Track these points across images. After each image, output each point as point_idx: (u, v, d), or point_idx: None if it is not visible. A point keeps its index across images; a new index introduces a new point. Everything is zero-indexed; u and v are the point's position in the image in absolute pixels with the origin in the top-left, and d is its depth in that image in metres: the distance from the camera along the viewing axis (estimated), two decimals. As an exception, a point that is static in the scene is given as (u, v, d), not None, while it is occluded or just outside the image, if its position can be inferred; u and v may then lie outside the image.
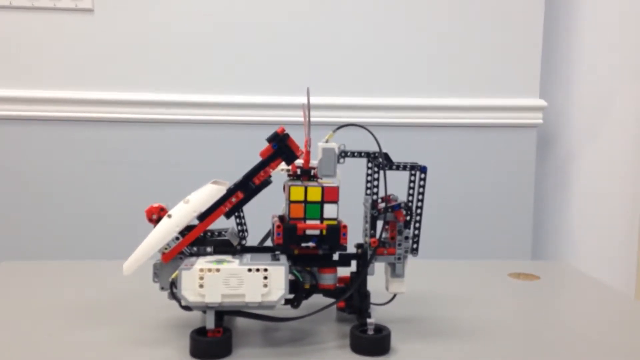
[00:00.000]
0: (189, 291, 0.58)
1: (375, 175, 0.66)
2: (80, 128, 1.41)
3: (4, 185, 1.41)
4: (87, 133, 1.41)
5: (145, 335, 0.66)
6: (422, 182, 0.67)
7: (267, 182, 0.64)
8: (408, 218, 0.66)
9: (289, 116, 1.38)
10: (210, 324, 0.59)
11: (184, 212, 0.62)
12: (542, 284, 0.91)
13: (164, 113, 1.41)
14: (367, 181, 0.68)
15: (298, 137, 0.65)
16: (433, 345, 0.64)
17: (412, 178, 0.67)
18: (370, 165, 0.67)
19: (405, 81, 1.45)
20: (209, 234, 0.68)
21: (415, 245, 0.67)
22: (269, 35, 1.42)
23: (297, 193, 0.63)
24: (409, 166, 0.67)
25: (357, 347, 0.62)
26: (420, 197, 0.67)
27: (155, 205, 0.65)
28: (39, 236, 1.42)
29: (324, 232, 0.63)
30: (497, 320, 0.73)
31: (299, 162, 0.68)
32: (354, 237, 0.69)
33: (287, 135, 0.63)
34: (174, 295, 0.60)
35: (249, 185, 0.63)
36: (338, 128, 0.67)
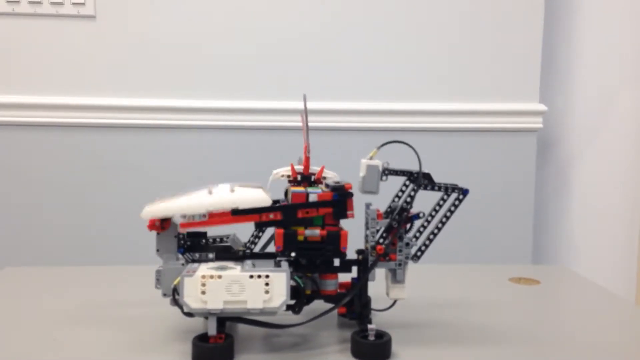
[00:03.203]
0: (191, 298, 0.58)
1: (412, 193, 0.66)
2: (82, 134, 1.41)
3: (7, 191, 1.41)
4: (90, 139, 1.41)
5: (148, 341, 0.66)
6: (456, 203, 0.67)
7: (307, 222, 0.64)
8: (408, 226, 0.67)
9: (293, 121, 1.39)
10: (212, 330, 0.60)
11: (225, 198, 0.62)
12: (542, 288, 0.91)
13: (166, 119, 1.42)
14: (397, 196, 0.68)
15: (301, 142, 0.65)
16: (434, 350, 0.65)
17: (445, 197, 0.67)
18: (407, 183, 0.68)
19: (405, 86, 1.46)
20: (210, 240, 0.68)
21: (419, 254, 0.68)
22: (273, 41, 1.42)
23: (299, 199, 0.64)
24: (450, 188, 0.67)
25: (358, 353, 0.62)
26: (448, 214, 0.67)
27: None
28: (41, 242, 1.42)
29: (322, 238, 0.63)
30: (498, 325, 0.73)
31: (299, 168, 0.68)
32: (355, 243, 0.69)
33: (351, 195, 0.64)
34: (176, 302, 0.61)
35: (290, 214, 0.63)
36: (382, 145, 0.66)
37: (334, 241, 0.64)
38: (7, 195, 1.41)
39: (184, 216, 0.63)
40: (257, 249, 0.70)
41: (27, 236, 1.42)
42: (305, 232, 0.63)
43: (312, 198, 0.63)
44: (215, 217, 0.63)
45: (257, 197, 0.63)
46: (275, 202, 0.65)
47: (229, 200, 0.62)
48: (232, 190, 0.63)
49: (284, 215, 0.63)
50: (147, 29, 1.40)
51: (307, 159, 0.67)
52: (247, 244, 0.68)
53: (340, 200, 0.63)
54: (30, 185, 1.41)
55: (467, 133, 1.48)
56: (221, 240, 0.67)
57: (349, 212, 0.64)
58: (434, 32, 1.45)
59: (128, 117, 1.41)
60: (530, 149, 1.50)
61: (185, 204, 0.62)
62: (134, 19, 1.40)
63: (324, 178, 0.69)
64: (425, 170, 0.67)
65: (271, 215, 0.63)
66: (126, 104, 1.41)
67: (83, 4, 1.38)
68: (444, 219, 0.68)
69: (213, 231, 0.69)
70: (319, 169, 0.69)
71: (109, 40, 1.40)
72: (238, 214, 0.63)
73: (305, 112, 0.66)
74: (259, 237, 0.68)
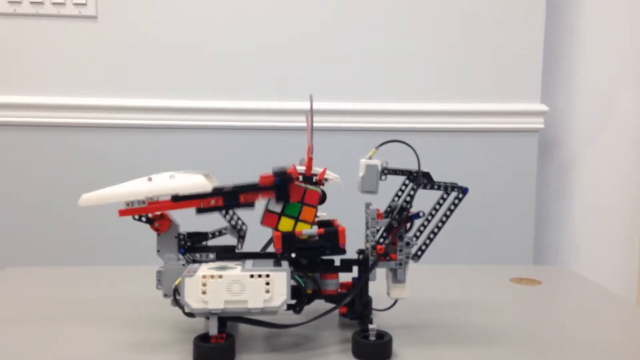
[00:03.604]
0: (192, 298, 0.58)
1: (412, 192, 0.66)
2: (84, 134, 1.41)
3: (10, 191, 1.41)
4: (91, 139, 1.41)
5: (149, 342, 0.66)
6: (456, 202, 0.67)
7: (249, 205, 0.64)
8: (408, 225, 0.67)
9: (294, 122, 1.39)
10: (213, 330, 0.60)
11: (165, 185, 0.63)
12: (544, 289, 0.91)
13: (168, 119, 1.42)
14: (397, 195, 0.68)
15: (301, 143, 0.65)
16: (435, 350, 0.65)
17: (445, 196, 0.67)
18: (407, 182, 0.68)
19: (405, 86, 1.46)
20: (210, 234, 0.68)
21: (419, 253, 0.68)
22: (274, 41, 1.42)
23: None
24: (449, 186, 0.67)
25: (358, 353, 0.62)
26: (448, 213, 0.67)
27: (157, 212, 0.65)
28: (42, 242, 1.42)
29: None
30: (499, 326, 0.73)
31: (301, 168, 0.68)
32: (356, 243, 0.69)
33: (292, 179, 0.63)
34: (177, 302, 0.61)
35: (232, 198, 0.63)
36: (381, 145, 0.67)
37: (333, 238, 0.64)
38: (10, 195, 1.41)
39: (127, 204, 0.63)
40: (257, 248, 0.70)
41: (28, 236, 1.42)
42: (303, 232, 0.64)
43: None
44: (154, 203, 0.63)
45: (196, 183, 0.63)
46: (219, 188, 0.65)
47: (168, 187, 0.63)
48: (172, 177, 0.63)
49: (225, 200, 0.63)
50: (148, 29, 1.40)
51: (310, 159, 0.67)
52: (239, 232, 0.68)
53: (281, 185, 0.63)
54: (32, 185, 1.41)
55: (468, 133, 1.48)
56: (220, 233, 0.68)
57: (290, 200, 0.63)
58: (435, 32, 1.45)
59: (130, 118, 1.41)
60: (532, 149, 1.50)
61: (124, 190, 0.62)
62: (136, 19, 1.40)
63: (326, 180, 0.69)
64: (424, 169, 0.67)
65: (212, 201, 0.63)
66: (127, 104, 1.41)
67: (84, 4, 1.38)
68: (444, 218, 0.68)
69: (210, 226, 0.69)
70: (321, 170, 0.69)
71: (111, 41, 1.40)
72: (179, 200, 0.63)
73: (311, 113, 0.66)
74: (237, 219, 0.67)
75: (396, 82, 1.46)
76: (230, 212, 0.66)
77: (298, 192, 0.64)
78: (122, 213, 0.63)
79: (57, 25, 1.39)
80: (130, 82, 1.41)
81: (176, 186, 0.63)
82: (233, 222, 0.67)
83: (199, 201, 0.63)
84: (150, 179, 0.62)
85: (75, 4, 1.37)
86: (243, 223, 0.68)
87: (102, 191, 0.62)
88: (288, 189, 0.63)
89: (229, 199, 0.63)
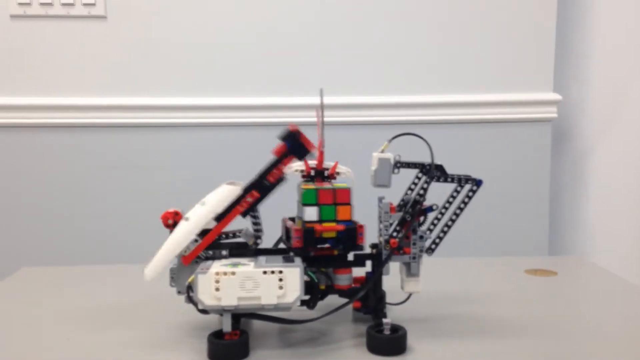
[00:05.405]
0: (206, 295, 0.58)
1: (425, 185, 0.65)
2: (96, 134, 1.42)
3: (22, 192, 1.42)
4: (103, 139, 1.42)
5: (164, 339, 0.66)
6: (470, 194, 0.67)
7: (281, 179, 0.64)
8: (422, 219, 0.66)
9: (301, 117, 1.38)
10: (227, 326, 0.60)
11: (201, 214, 0.63)
12: (560, 280, 0.90)
13: (179, 117, 1.42)
14: (410, 189, 0.68)
15: (311, 138, 0.65)
16: (450, 344, 0.64)
17: (459, 188, 0.67)
18: (420, 175, 0.67)
19: (418, 78, 1.45)
20: (223, 235, 0.68)
21: (433, 246, 0.67)
22: (282, 37, 1.42)
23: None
24: (463, 179, 0.67)
25: (373, 347, 0.62)
26: (462, 206, 0.67)
27: (170, 210, 0.65)
28: (56, 242, 1.44)
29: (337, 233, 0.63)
30: (516, 318, 0.72)
31: (313, 163, 0.68)
32: (369, 237, 0.69)
33: (299, 132, 0.63)
34: (190, 299, 0.61)
35: (263, 184, 0.63)
36: (393, 138, 0.66)
37: (351, 236, 0.63)
38: (23, 196, 1.42)
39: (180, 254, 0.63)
40: (268, 244, 0.70)
41: (42, 237, 1.43)
42: (323, 227, 0.63)
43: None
44: (205, 235, 0.63)
45: (225, 193, 0.63)
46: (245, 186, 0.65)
47: (205, 214, 0.63)
48: (203, 203, 0.63)
49: (258, 190, 0.63)
50: (158, 28, 1.41)
51: (322, 154, 0.67)
52: (255, 235, 0.67)
53: (293, 144, 0.63)
54: (44, 186, 1.42)
55: (481, 125, 1.47)
56: (234, 235, 0.68)
57: (310, 148, 0.63)
58: (446, 23, 1.44)
59: (141, 116, 1.42)
60: (545, 139, 1.49)
61: (173, 243, 0.62)
62: (145, 18, 1.40)
63: (338, 173, 0.69)
64: (437, 162, 0.66)
65: (249, 199, 0.63)
66: (139, 103, 1.41)
67: (94, 4, 1.38)
68: (458, 211, 0.67)
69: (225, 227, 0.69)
70: (332, 164, 0.68)
71: (121, 40, 1.41)
72: (222, 217, 0.63)
73: (322, 107, 0.66)
74: (259, 224, 0.67)
75: (407, 74, 1.45)
76: (257, 216, 0.66)
77: (328, 194, 0.63)
78: (186, 260, 0.63)
79: (66, 25, 1.39)
80: (141, 81, 1.41)
81: (211, 208, 0.63)
82: (255, 227, 0.67)
83: (238, 206, 0.63)
84: (187, 219, 0.63)
85: (85, 4, 1.38)
86: (262, 230, 0.68)
87: (157, 257, 0.62)
88: (302, 142, 0.62)
89: (260, 187, 0.63)
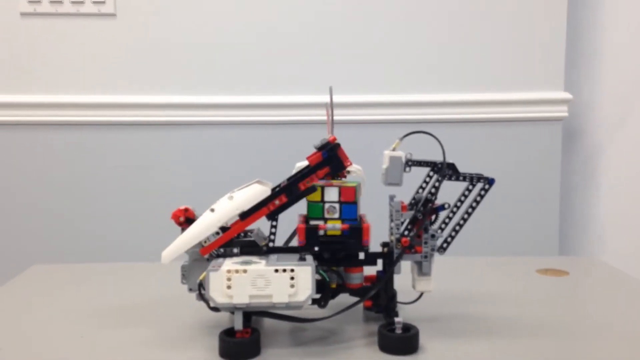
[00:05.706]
0: (217, 292, 0.58)
1: (436, 184, 0.65)
2: (106, 132, 1.42)
3: (32, 189, 1.43)
4: (115, 136, 1.42)
5: (175, 336, 0.66)
6: (482, 193, 0.66)
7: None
8: (434, 218, 0.66)
9: (301, 116, 1.40)
10: (238, 324, 0.60)
11: (227, 208, 0.63)
12: (571, 279, 0.90)
13: (181, 115, 1.42)
14: (421, 187, 0.67)
15: (318, 137, 0.64)
16: (462, 343, 0.64)
17: (470, 187, 0.66)
18: (431, 174, 0.67)
19: (428, 77, 1.44)
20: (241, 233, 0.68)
21: (445, 245, 0.67)
22: (282, 37, 1.42)
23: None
24: (475, 177, 0.66)
25: (385, 346, 0.61)
26: (474, 204, 0.66)
27: (181, 207, 0.65)
28: (56, 240, 1.43)
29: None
30: (527, 317, 0.72)
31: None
32: (380, 236, 0.69)
33: (338, 145, 0.62)
34: (202, 297, 0.61)
35: (293, 190, 0.63)
36: (405, 136, 0.66)
37: (356, 235, 0.63)
38: (32, 193, 1.43)
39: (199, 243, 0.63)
40: (280, 243, 0.70)
41: (38, 235, 1.43)
42: (327, 225, 0.63)
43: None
44: (227, 229, 0.63)
45: (255, 192, 0.63)
46: (275, 188, 0.64)
47: (231, 209, 0.63)
48: (231, 198, 0.63)
49: (287, 195, 0.63)
50: (168, 26, 1.41)
51: None
52: (268, 238, 0.67)
53: (331, 155, 0.62)
54: (53, 183, 1.43)
55: (492, 123, 1.46)
56: (245, 234, 0.67)
57: (346, 163, 0.63)
58: (457, 22, 1.43)
59: (151, 114, 1.42)
60: (556, 139, 1.48)
61: (195, 231, 0.62)
62: (155, 16, 1.40)
63: (349, 172, 0.69)
64: (450, 161, 0.66)
65: (277, 202, 0.63)
66: (148, 100, 1.41)
67: (103, 2, 1.38)
68: (470, 210, 0.67)
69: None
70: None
71: (131, 38, 1.41)
72: (247, 216, 0.63)
73: (331, 105, 0.66)
74: (275, 227, 0.67)
75: (418, 73, 1.44)
76: (276, 219, 0.66)
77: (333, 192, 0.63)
78: (204, 251, 0.63)
79: (76, 23, 1.40)
80: (151, 79, 1.42)
81: (238, 204, 0.63)
82: (272, 230, 0.67)
83: (265, 208, 0.63)
84: (212, 210, 0.63)
85: (94, 2, 1.38)
86: (275, 233, 0.68)
87: (176, 242, 0.63)
88: (340, 156, 0.62)
89: (290, 192, 0.63)
